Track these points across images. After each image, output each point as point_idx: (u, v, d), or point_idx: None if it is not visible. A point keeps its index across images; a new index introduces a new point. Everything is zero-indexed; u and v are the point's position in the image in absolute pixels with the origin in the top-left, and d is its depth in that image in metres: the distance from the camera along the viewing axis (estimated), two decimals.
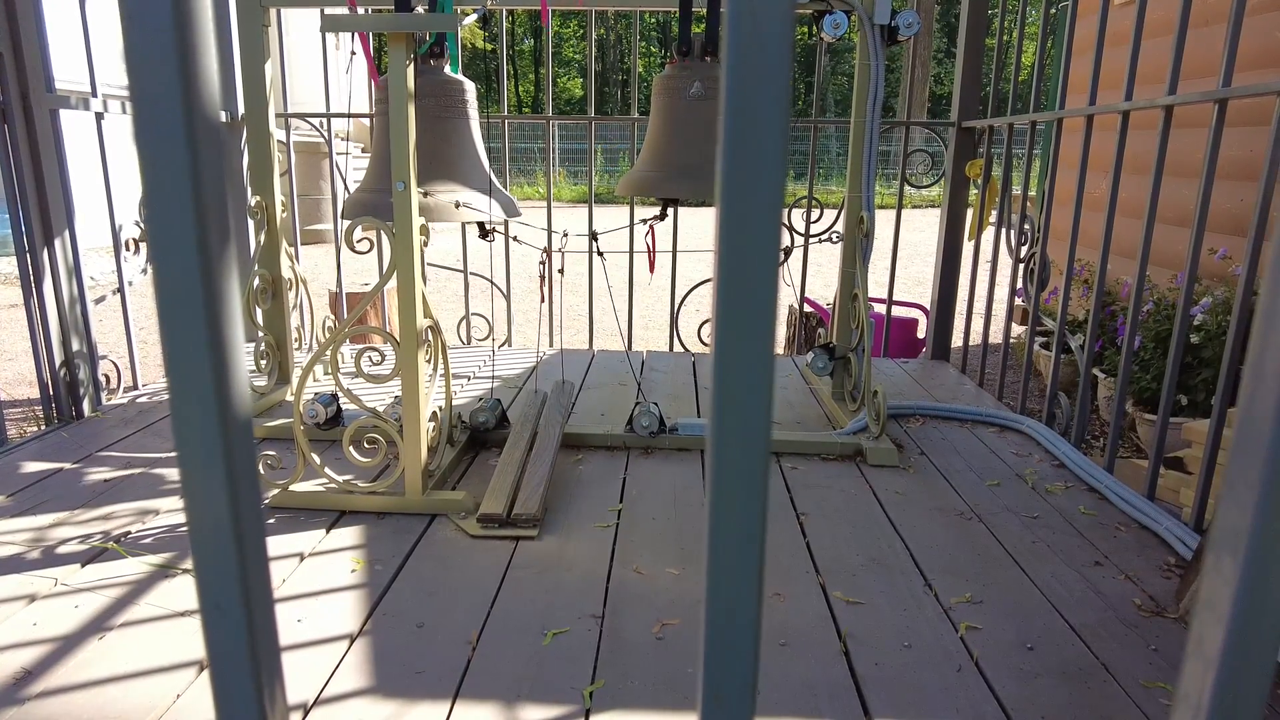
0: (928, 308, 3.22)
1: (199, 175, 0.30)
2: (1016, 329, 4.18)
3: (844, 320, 2.33)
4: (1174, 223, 3.41)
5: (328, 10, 2.01)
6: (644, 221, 2.17)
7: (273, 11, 2.28)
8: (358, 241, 1.74)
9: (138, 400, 2.46)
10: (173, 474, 1.89)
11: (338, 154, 2.99)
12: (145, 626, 1.29)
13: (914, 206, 13.47)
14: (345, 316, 2.28)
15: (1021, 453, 2.16)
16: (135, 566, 1.47)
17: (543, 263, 2.11)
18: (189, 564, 1.48)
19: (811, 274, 3.36)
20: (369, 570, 1.48)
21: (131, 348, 2.54)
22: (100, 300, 2.47)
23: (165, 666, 1.19)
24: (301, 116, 2.96)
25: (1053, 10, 3.10)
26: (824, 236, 2.73)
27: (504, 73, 3.04)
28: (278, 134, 2.39)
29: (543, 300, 2.17)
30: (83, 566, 1.47)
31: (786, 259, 2.37)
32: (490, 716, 1.10)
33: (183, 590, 1.40)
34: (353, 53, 2.13)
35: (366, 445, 1.73)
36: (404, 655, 1.23)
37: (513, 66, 27.80)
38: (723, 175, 0.29)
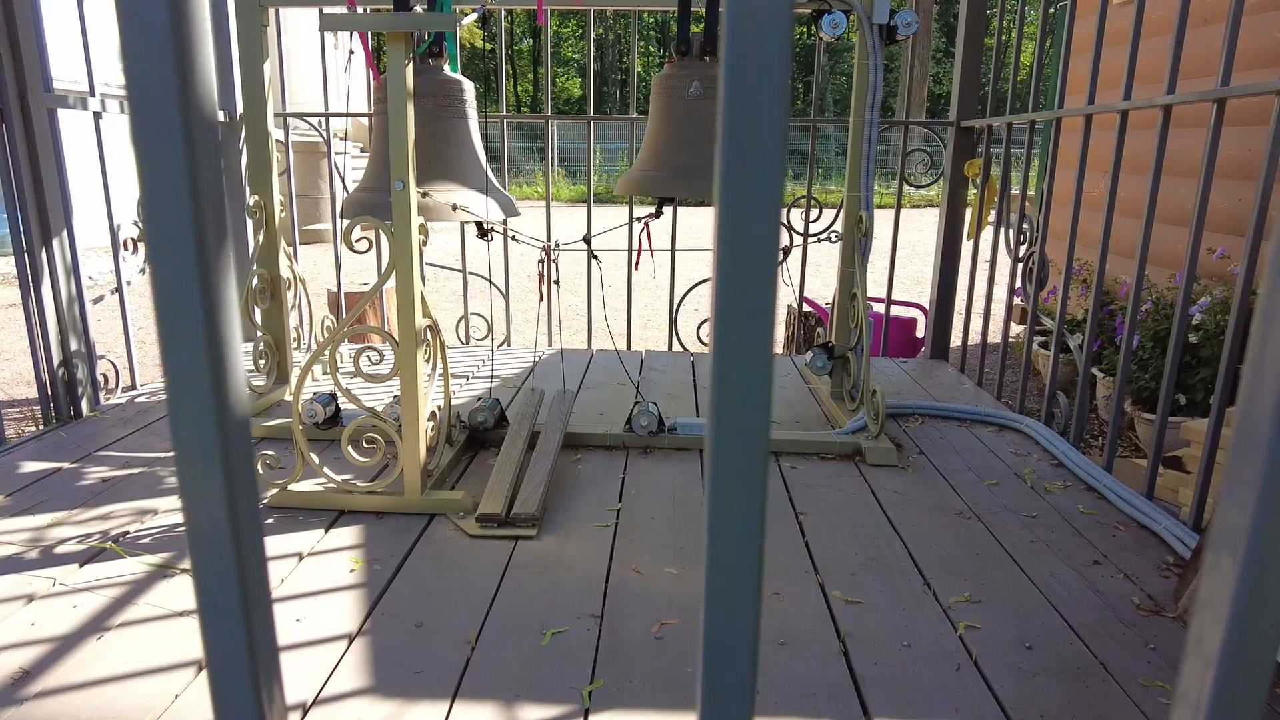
0: (926, 307, 3.22)
1: (197, 175, 0.30)
2: (1015, 328, 4.18)
3: (843, 319, 2.33)
4: (1173, 222, 3.42)
5: (326, 10, 2.01)
6: (640, 220, 2.17)
7: (271, 11, 2.28)
8: (356, 241, 1.74)
9: (136, 400, 2.46)
10: (171, 474, 1.89)
11: (336, 153, 2.98)
12: (143, 626, 1.29)
13: (913, 206, 13.48)
14: (344, 316, 2.28)
15: (1020, 452, 2.16)
16: (133, 566, 1.47)
17: (541, 261, 2.11)
18: (187, 564, 1.48)
19: (810, 273, 3.36)
20: (368, 570, 1.48)
21: (130, 347, 2.54)
22: (98, 300, 2.47)
23: (163, 666, 1.19)
24: (300, 116, 2.96)
25: (1051, 9, 3.10)
26: (823, 236, 2.73)
27: (503, 72, 3.04)
28: (276, 133, 2.39)
29: (541, 299, 2.17)
30: (81, 566, 1.47)
31: (785, 258, 2.37)
32: (489, 716, 1.10)
33: (181, 590, 1.39)
34: (351, 51, 2.12)
35: (365, 445, 1.73)
36: (403, 655, 1.23)
37: (511, 66, 27.78)
38: (721, 175, 0.29)
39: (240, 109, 2.37)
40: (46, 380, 2.23)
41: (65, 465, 1.93)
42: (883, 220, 3.35)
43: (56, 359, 2.24)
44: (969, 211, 2.92)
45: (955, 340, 3.12)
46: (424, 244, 1.72)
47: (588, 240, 2.16)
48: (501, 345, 3.29)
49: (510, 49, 27.39)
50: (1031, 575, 1.50)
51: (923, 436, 2.26)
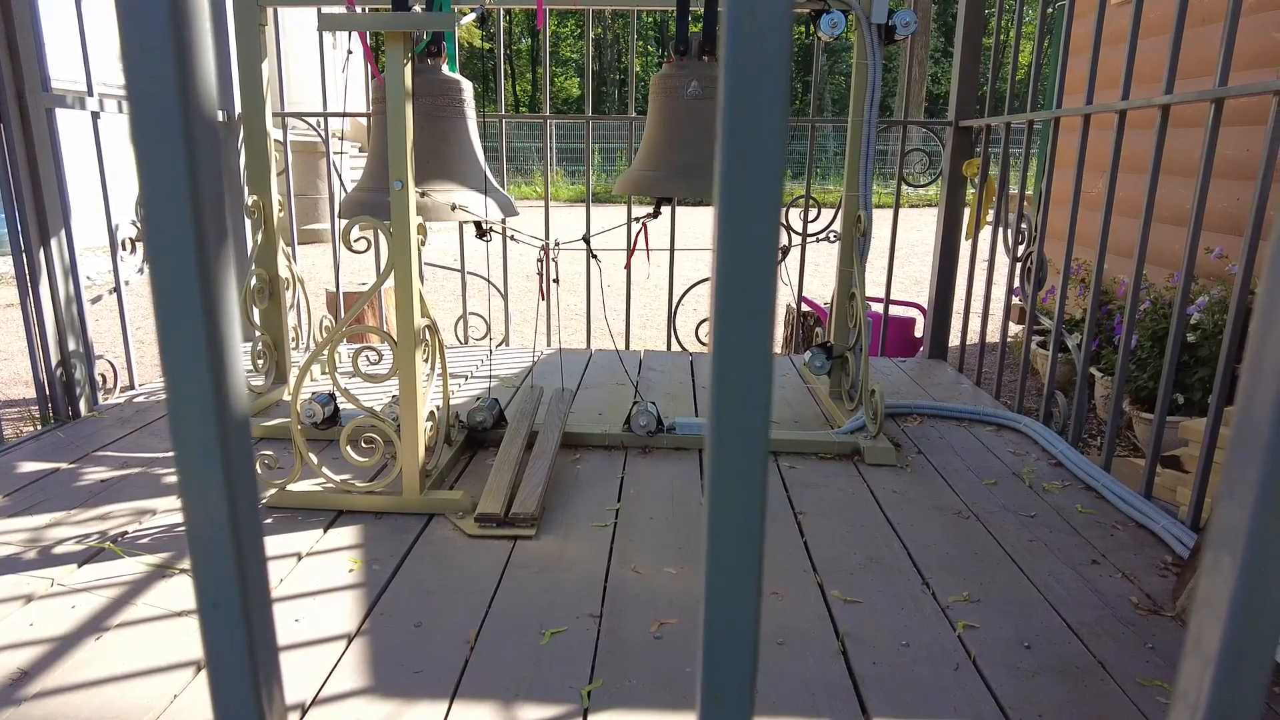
0: (925, 307, 3.23)
1: (196, 174, 0.30)
2: (1014, 328, 4.18)
3: (841, 319, 2.33)
4: (1171, 222, 3.42)
5: (325, 9, 2.01)
6: (638, 219, 2.17)
7: (269, 11, 2.28)
8: (355, 241, 1.74)
9: (134, 400, 2.46)
10: (170, 474, 1.89)
11: (335, 153, 2.98)
12: (142, 627, 1.29)
13: (911, 205, 13.48)
14: (342, 316, 2.28)
15: (1019, 451, 2.16)
16: (132, 566, 1.47)
17: (540, 260, 2.11)
18: (186, 564, 1.48)
19: (809, 273, 3.36)
20: (367, 570, 1.48)
21: (128, 347, 2.53)
22: (97, 300, 2.46)
23: (162, 667, 1.19)
24: (298, 116, 2.96)
25: (1050, 9, 3.10)
26: (822, 235, 2.74)
27: (501, 72, 3.03)
28: (275, 133, 2.39)
29: (542, 298, 2.17)
30: (80, 567, 1.46)
31: (784, 258, 2.37)
32: (488, 716, 1.10)
33: (180, 590, 1.39)
34: (349, 51, 2.12)
35: (364, 445, 1.73)
36: (402, 655, 1.23)
37: (510, 66, 27.79)
38: (721, 174, 0.29)
39: (239, 109, 2.37)
40: (45, 380, 2.23)
41: (63, 465, 1.93)
42: (881, 220, 3.36)
43: (55, 359, 2.24)
44: (967, 211, 2.93)
45: (954, 340, 3.12)
46: (422, 244, 1.72)
47: (587, 239, 2.16)
48: (500, 345, 3.29)
49: (509, 48, 27.38)
50: (1030, 575, 1.51)
51: (921, 436, 2.26)
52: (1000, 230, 2.66)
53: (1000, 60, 2.77)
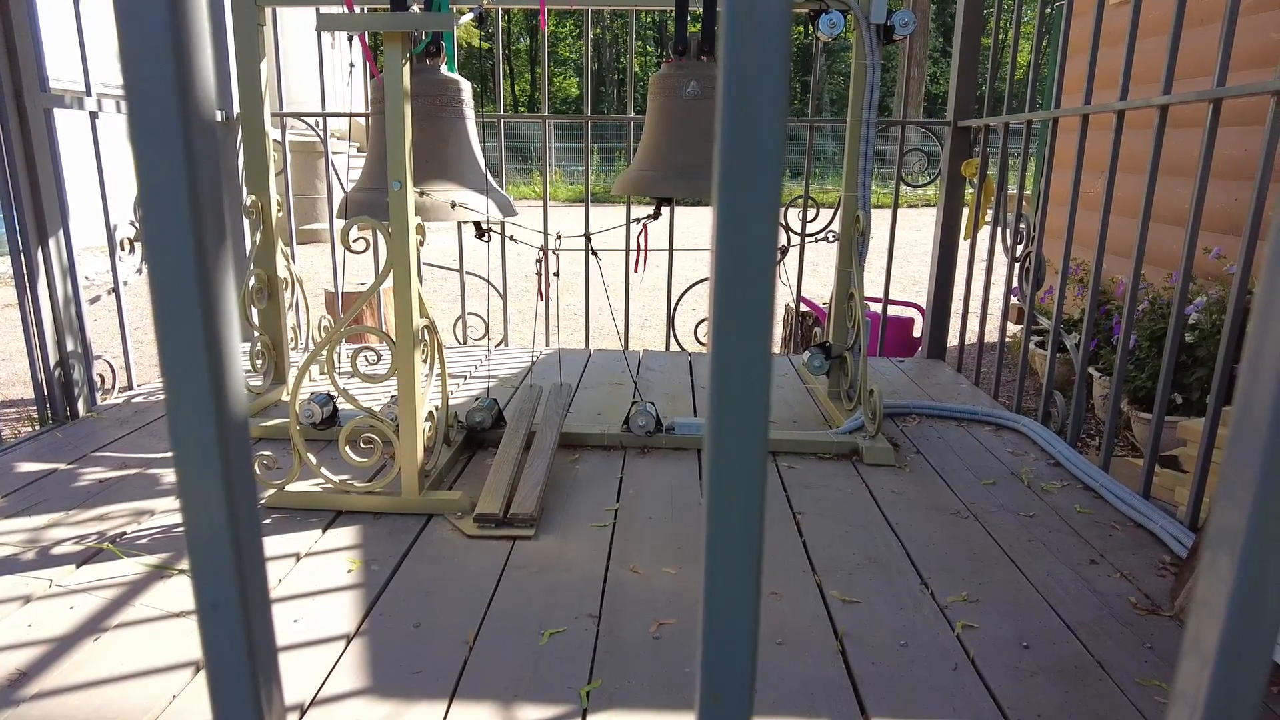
0: (924, 307, 3.23)
1: (194, 174, 0.30)
2: (1012, 328, 4.19)
3: (840, 319, 2.33)
4: (1169, 222, 3.42)
5: (323, 9, 2.01)
6: (638, 220, 2.17)
7: (268, 10, 2.28)
8: (353, 241, 1.74)
9: (133, 400, 2.46)
10: (168, 474, 1.89)
11: (333, 153, 2.98)
12: (141, 627, 1.28)
13: (910, 205, 13.49)
14: (341, 316, 2.28)
15: (1017, 451, 2.16)
16: (131, 567, 1.47)
17: (539, 260, 2.11)
18: (185, 564, 1.47)
19: (808, 273, 3.36)
20: (365, 570, 1.48)
21: (126, 347, 2.53)
22: (95, 300, 2.46)
23: (161, 667, 1.18)
24: (297, 115, 2.96)
25: (1048, 9, 3.11)
26: (820, 236, 2.74)
27: (500, 72, 3.03)
28: (273, 133, 2.39)
29: (540, 298, 2.17)
30: (78, 567, 1.46)
31: (783, 258, 2.37)
32: (487, 716, 1.10)
33: (179, 591, 1.39)
34: (351, 65, 2.12)
35: (363, 445, 1.73)
36: (401, 655, 1.23)
37: (509, 66, 27.77)
38: (720, 174, 0.29)
39: (237, 108, 2.37)
40: (43, 381, 2.22)
41: (62, 466, 1.93)
42: (880, 220, 3.35)
43: (53, 359, 2.23)
44: (966, 211, 2.93)
45: (952, 340, 3.12)
46: (421, 244, 1.72)
47: (587, 237, 2.16)
48: (499, 345, 3.29)
49: (507, 48, 27.38)
50: (1029, 574, 1.51)
51: (920, 436, 2.26)
52: (999, 230, 2.67)
53: (999, 60, 2.77)
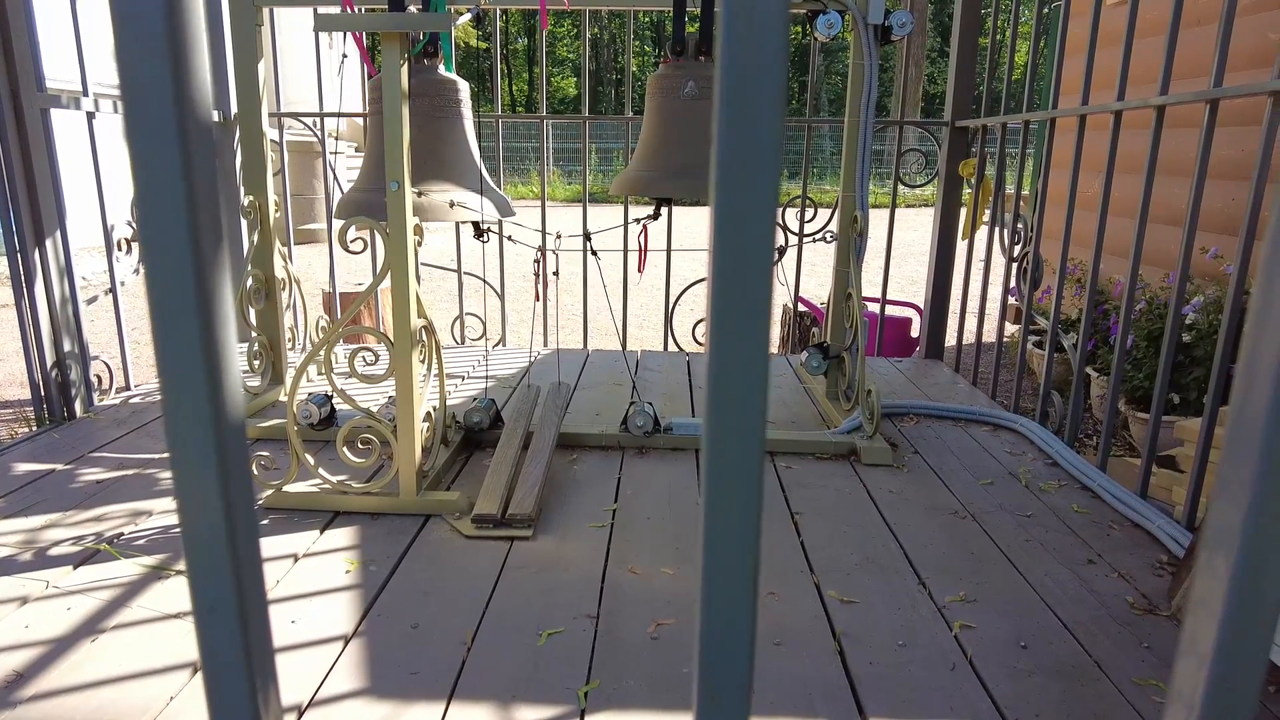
0: (921, 307, 3.23)
1: (191, 174, 0.30)
2: (1010, 328, 4.19)
3: (838, 319, 2.33)
4: (1166, 222, 3.43)
5: (321, 9, 2.01)
6: (638, 221, 2.17)
7: (265, 10, 2.27)
8: (351, 241, 1.74)
9: (130, 401, 2.45)
10: (166, 475, 1.88)
11: (331, 153, 2.98)
12: (138, 628, 1.28)
13: (908, 205, 13.50)
14: (339, 316, 2.27)
15: (1015, 451, 2.16)
16: (128, 568, 1.46)
17: (537, 260, 2.11)
18: (182, 565, 1.47)
19: (806, 273, 3.37)
20: (363, 571, 1.48)
21: (124, 348, 2.53)
22: (92, 300, 2.46)
23: (158, 669, 1.18)
24: (295, 116, 2.95)
25: (1046, 10, 3.11)
26: (818, 236, 2.74)
27: (498, 72, 3.03)
28: (271, 133, 2.39)
29: (537, 299, 2.17)
30: (75, 568, 1.46)
31: (781, 258, 2.37)
32: (486, 717, 1.10)
33: (176, 592, 1.39)
34: (344, 55, 2.12)
35: (360, 446, 1.73)
36: (399, 656, 1.23)
37: (507, 66, 27.76)
38: (717, 174, 0.29)
39: (235, 109, 2.36)
40: (40, 381, 2.22)
41: (59, 467, 1.93)
42: (878, 220, 3.36)
43: (50, 360, 2.23)
44: (964, 211, 2.93)
45: (950, 340, 3.13)
46: (419, 244, 1.72)
47: (586, 235, 2.16)
48: (497, 345, 3.28)
49: (505, 48, 27.35)
50: (1026, 574, 1.51)
51: (918, 436, 2.26)
52: (996, 230, 2.67)
53: (996, 60, 2.78)
